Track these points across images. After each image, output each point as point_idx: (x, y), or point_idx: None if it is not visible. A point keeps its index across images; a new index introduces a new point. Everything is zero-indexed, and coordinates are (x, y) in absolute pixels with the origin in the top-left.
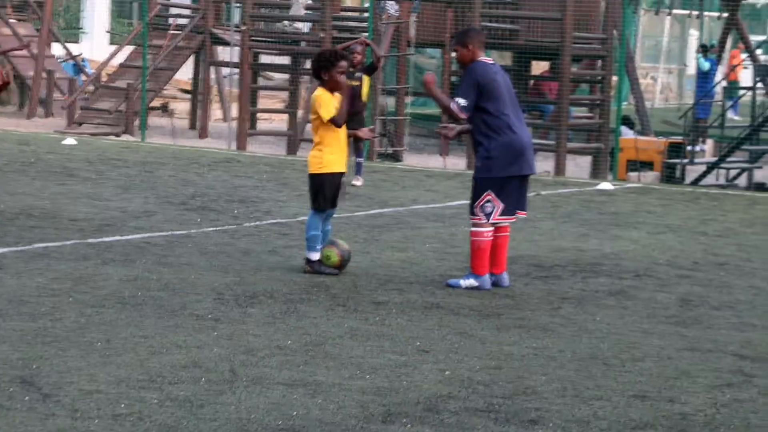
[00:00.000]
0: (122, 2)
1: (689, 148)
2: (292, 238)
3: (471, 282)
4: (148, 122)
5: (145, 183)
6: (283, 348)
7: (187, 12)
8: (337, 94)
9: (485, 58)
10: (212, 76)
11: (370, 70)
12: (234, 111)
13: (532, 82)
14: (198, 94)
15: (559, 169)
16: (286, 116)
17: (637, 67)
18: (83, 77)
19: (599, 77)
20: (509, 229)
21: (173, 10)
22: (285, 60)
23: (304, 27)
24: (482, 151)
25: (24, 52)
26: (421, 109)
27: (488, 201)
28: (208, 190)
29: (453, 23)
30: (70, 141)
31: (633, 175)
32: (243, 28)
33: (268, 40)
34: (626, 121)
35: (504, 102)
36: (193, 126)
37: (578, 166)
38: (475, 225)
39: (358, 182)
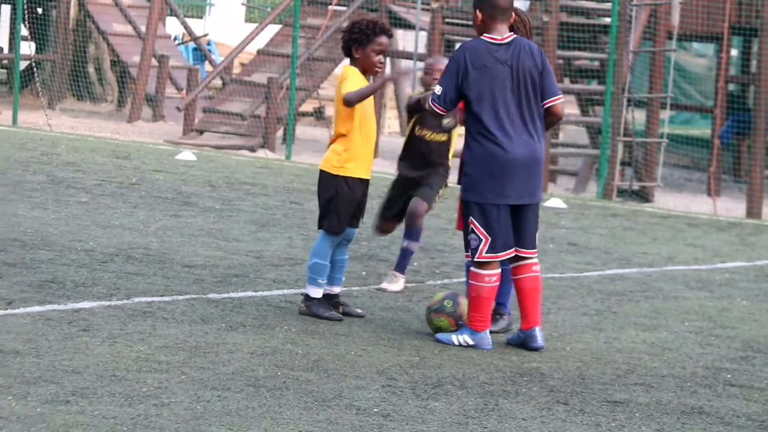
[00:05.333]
0: None
1: None
2: None
3: (465, 338)
4: (297, 133)
5: (289, 218)
6: None
7: None
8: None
9: (499, 35)
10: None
11: None
12: None
13: None
14: None
15: None
16: None
17: None
18: (208, 67)
19: None
20: (537, 266)
21: None
22: None
23: (521, 7)
24: (465, 163)
25: (127, 29)
26: (684, 129)
27: (473, 231)
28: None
29: (736, 8)
30: (186, 156)
31: None
32: (434, 4)
33: (469, 23)
34: None
35: (489, 98)
36: None
37: None
38: (472, 266)
39: None
